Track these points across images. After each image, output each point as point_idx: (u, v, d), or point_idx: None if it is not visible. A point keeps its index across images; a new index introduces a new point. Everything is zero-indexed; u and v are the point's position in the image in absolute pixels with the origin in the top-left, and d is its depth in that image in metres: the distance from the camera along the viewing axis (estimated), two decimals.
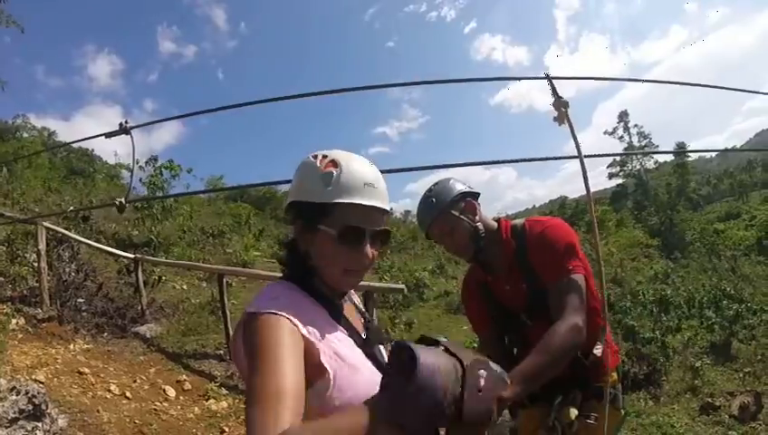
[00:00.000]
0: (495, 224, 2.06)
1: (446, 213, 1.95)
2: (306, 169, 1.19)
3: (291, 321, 1.04)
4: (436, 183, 2.01)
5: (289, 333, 1.02)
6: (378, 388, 0.96)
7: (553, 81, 1.82)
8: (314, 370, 1.06)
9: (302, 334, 1.04)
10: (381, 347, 1.28)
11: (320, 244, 1.17)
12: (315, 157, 1.20)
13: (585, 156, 1.80)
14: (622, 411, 2.04)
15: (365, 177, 1.17)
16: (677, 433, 6.31)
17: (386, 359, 1.20)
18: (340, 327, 1.18)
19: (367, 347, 1.21)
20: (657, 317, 9.69)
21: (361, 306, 1.39)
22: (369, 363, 1.17)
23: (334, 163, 1.16)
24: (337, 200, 1.13)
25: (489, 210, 2.11)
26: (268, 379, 0.95)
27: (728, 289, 13.01)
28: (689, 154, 44.39)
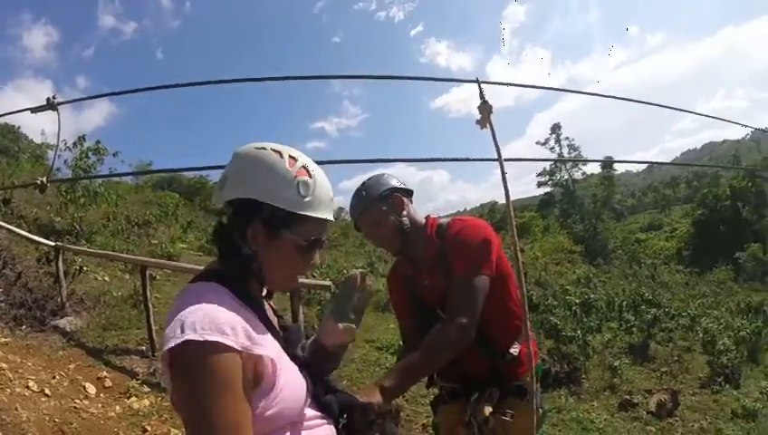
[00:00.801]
0: (423, 221, 2.13)
1: (374, 206, 2.01)
2: (273, 169, 1.13)
3: (232, 346, 0.99)
4: (370, 178, 2.07)
5: (231, 363, 0.99)
6: (304, 388, 1.07)
7: (483, 84, 1.91)
8: (257, 383, 1.05)
9: (242, 356, 1.00)
10: (300, 345, 1.28)
11: (277, 249, 1.15)
12: (279, 154, 1.15)
13: (505, 159, 1.90)
14: (540, 410, 2.10)
15: (329, 190, 1.20)
16: (597, 428, 6.60)
17: (305, 356, 1.27)
18: (269, 332, 1.15)
19: (288, 348, 1.21)
20: (579, 318, 10.17)
21: (274, 303, 1.38)
22: (293, 365, 1.17)
23: (307, 171, 1.16)
24: (311, 214, 1.14)
25: (421, 211, 2.17)
26: (225, 415, 0.94)
27: (647, 294, 13.84)
28: (616, 167, 46.86)
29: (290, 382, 1.12)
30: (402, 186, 2.08)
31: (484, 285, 1.91)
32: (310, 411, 1.19)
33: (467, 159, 2.29)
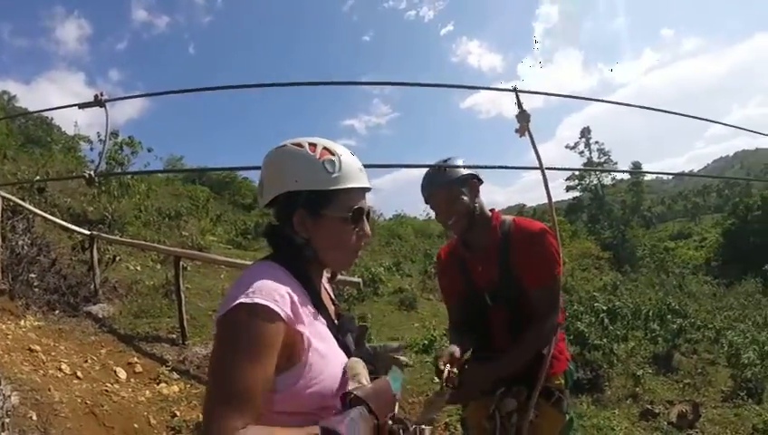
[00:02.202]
0: (489, 212, 2.21)
1: (454, 185, 2.09)
2: (299, 158, 1.21)
3: (279, 313, 1.05)
4: (449, 158, 2.15)
5: (274, 329, 1.04)
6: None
7: (520, 94, 1.92)
8: (291, 358, 1.10)
9: (286, 324, 1.07)
10: (351, 336, 1.33)
11: (325, 228, 1.22)
12: (300, 145, 1.23)
13: (546, 168, 1.92)
14: (566, 416, 2.12)
15: (357, 162, 1.27)
16: None
17: (354, 347, 1.31)
18: (320, 315, 1.22)
19: (339, 335, 1.26)
20: (605, 326, 10.02)
21: (332, 293, 1.43)
22: (340, 352, 1.23)
23: (329, 151, 1.22)
24: (344, 186, 1.21)
25: None
26: (240, 374, 1.00)
27: (673, 304, 13.55)
28: (646, 174, 46.01)
29: (332, 365, 1.16)
30: (476, 173, 2.17)
31: (560, 285, 2.09)
32: None
33: (507, 167, 2.32)
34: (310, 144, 1.23)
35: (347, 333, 1.30)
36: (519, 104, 1.96)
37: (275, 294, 1.07)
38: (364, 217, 1.28)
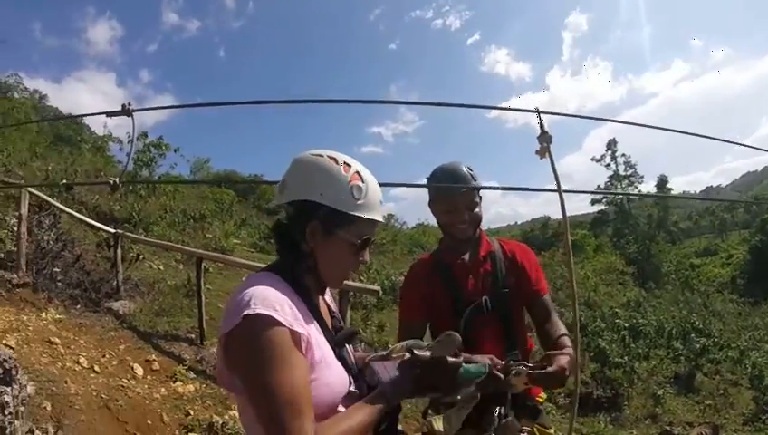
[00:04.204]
0: None
1: (476, 192, 2.13)
2: (330, 174, 1.24)
3: (280, 321, 1.08)
4: (470, 166, 2.15)
5: (282, 333, 1.08)
6: (347, 386, 1.20)
7: (542, 115, 1.89)
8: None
9: (288, 329, 1.09)
10: (349, 347, 1.36)
11: (332, 246, 1.26)
12: (335, 160, 1.26)
13: (564, 190, 1.89)
14: (551, 430, 2.09)
15: (379, 195, 1.32)
16: None
17: (353, 359, 1.34)
18: (318, 326, 1.23)
19: (336, 346, 1.27)
20: (627, 343, 9.87)
21: (333, 305, 1.44)
22: (337, 362, 1.24)
23: (360, 177, 1.26)
24: (364, 215, 1.25)
25: None
26: (281, 383, 1.05)
27: (697, 323, 13.27)
28: (673, 187, 45.09)
29: (326, 375, 1.18)
30: None
31: None
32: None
33: (527, 189, 2.28)
34: (345, 163, 1.26)
35: (344, 344, 1.32)
36: (541, 125, 1.92)
37: (275, 304, 1.10)
38: (370, 248, 1.34)
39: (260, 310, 1.07)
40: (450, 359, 1.27)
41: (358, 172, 1.26)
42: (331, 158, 1.26)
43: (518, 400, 1.97)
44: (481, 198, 2.17)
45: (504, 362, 1.64)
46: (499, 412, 1.89)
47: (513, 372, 1.65)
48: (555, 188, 1.93)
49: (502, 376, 1.61)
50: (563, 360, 1.76)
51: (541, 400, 2.12)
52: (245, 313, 1.07)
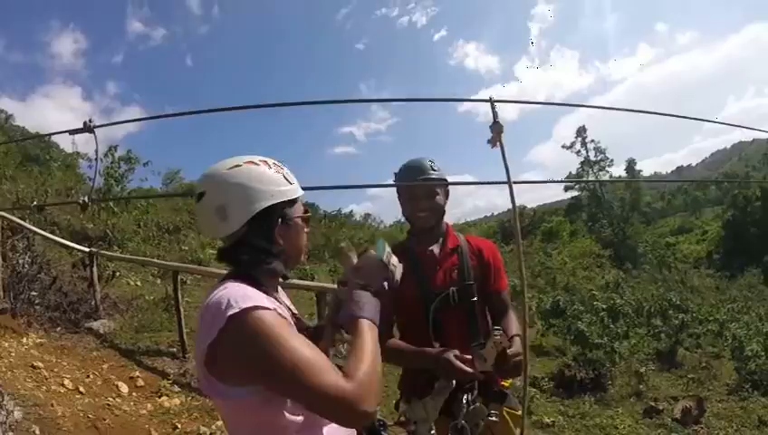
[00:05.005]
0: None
1: (439, 182, 2.22)
2: (265, 175, 1.30)
3: (266, 306, 1.14)
4: (432, 160, 2.26)
5: (278, 315, 1.15)
6: None
7: (496, 103, 1.95)
8: None
9: (280, 313, 1.17)
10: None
11: (292, 233, 1.35)
12: (254, 163, 1.32)
13: (514, 181, 1.97)
14: (519, 412, 2.21)
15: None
16: None
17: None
18: (290, 319, 1.28)
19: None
20: (606, 324, 10.06)
21: (292, 307, 1.46)
22: None
23: (276, 165, 1.35)
24: (299, 193, 1.37)
25: (449, 217, 2.38)
26: (296, 349, 1.09)
27: (675, 300, 13.57)
28: (643, 169, 45.92)
29: None
30: None
31: None
32: None
33: (477, 183, 2.39)
34: (261, 161, 1.33)
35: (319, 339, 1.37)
36: (494, 114, 1.99)
37: (253, 295, 1.16)
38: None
39: (243, 305, 1.10)
40: (370, 253, 1.40)
41: (274, 163, 1.35)
42: (250, 163, 1.31)
43: (485, 387, 2.08)
44: (447, 192, 2.28)
45: (469, 357, 1.73)
46: (467, 399, 1.99)
47: (492, 342, 1.77)
48: (505, 180, 2.00)
49: (469, 370, 1.70)
50: (518, 345, 1.98)
51: (507, 384, 2.21)
52: (230, 313, 1.09)
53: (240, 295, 1.13)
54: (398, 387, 2.28)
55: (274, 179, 1.30)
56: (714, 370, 9.47)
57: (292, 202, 1.34)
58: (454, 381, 1.72)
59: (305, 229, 1.41)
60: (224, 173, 1.29)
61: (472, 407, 1.98)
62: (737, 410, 7.73)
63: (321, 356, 1.11)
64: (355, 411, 1.07)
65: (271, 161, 1.34)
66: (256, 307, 1.11)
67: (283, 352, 1.07)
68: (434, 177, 2.21)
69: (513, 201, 2.00)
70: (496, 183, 2.13)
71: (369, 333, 1.22)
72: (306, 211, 1.41)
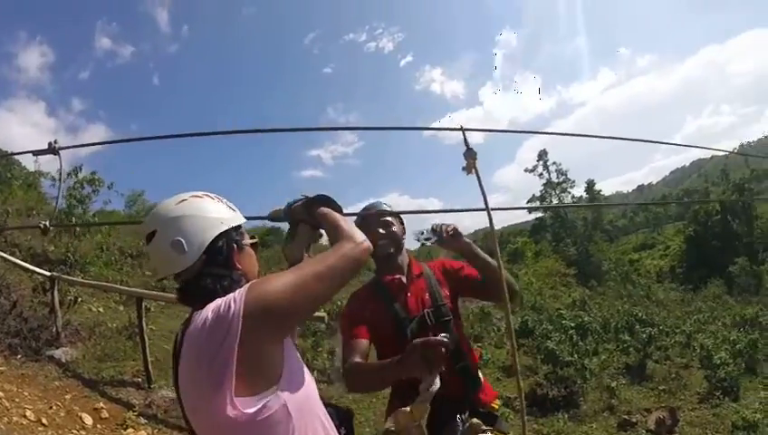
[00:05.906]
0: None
1: (393, 214, 2.41)
2: (212, 205, 1.39)
3: None
4: (387, 203, 2.47)
5: None
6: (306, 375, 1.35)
7: (466, 131, 1.98)
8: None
9: None
10: None
11: (247, 256, 1.43)
12: (198, 196, 1.39)
13: (492, 208, 2.00)
14: (510, 434, 2.25)
15: None
16: None
17: None
18: None
19: None
20: (575, 342, 10.19)
21: None
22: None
23: (218, 197, 1.44)
24: (243, 220, 1.45)
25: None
26: (309, 265, 1.36)
27: (640, 314, 13.87)
28: (603, 189, 47.18)
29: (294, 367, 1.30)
30: None
31: None
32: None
33: (455, 211, 2.43)
34: (203, 194, 1.42)
35: None
36: (466, 142, 2.02)
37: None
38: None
39: (243, 290, 1.20)
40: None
41: (213, 195, 1.43)
42: (194, 196, 1.39)
43: (474, 408, 2.13)
44: (402, 223, 2.45)
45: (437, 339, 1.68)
46: (462, 417, 2.01)
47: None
48: (483, 207, 2.02)
49: (443, 349, 1.65)
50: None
51: (496, 406, 2.26)
52: (243, 298, 1.17)
53: (231, 296, 1.21)
54: (386, 413, 2.22)
55: (219, 209, 1.39)
56: (684, 380, 9.65)
57: (238, 229, 1.41)
58: (438, 381, 1.67)
59: (255, 254, 1.48)
60: (173, 208, 1.35)
61: (467, 424, 2.04)
62: (710, 417, 7.90)
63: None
64: (368, 250, 1.47)
65: (211, 194, 1.42)
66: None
67: (302, 268, 1.30)
68: (387, 210, 2.39)
69: (491, 227, 2.03)
70: (474, 210, 2.16)
71: (327, 210, 1.58)
72: (253, 237, 1.48)
